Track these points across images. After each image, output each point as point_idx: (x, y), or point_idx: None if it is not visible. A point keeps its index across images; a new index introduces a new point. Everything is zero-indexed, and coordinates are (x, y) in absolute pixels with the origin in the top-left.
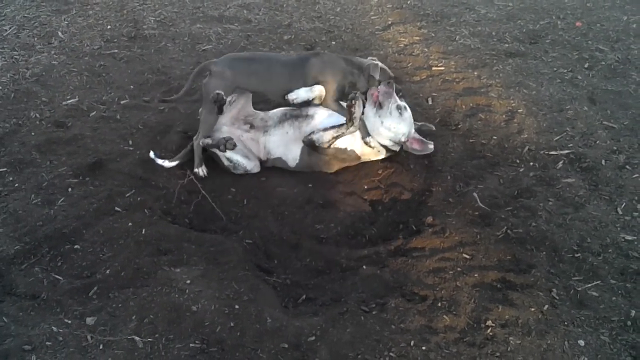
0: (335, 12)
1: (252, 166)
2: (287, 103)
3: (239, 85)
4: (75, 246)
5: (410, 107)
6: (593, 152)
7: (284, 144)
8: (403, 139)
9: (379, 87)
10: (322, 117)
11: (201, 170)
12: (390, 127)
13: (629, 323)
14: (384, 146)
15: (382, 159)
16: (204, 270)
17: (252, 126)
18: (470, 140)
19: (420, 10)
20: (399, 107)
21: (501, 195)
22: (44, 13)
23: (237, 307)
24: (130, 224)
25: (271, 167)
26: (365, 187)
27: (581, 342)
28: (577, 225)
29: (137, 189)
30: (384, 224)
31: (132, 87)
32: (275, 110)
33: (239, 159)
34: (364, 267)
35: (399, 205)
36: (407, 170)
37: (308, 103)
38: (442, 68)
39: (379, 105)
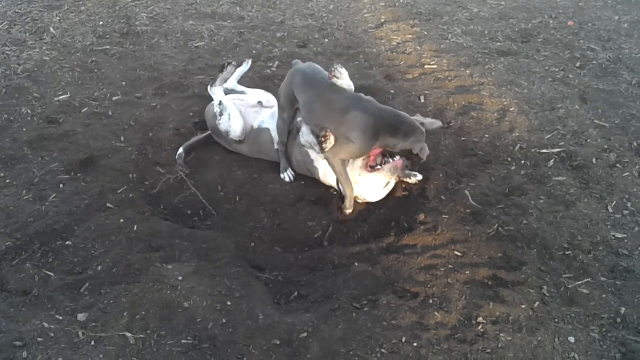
0: (328, 10)
1: (238, 132)
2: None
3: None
4: (67, 242)
5: (402, 105)
6: (584, 151)
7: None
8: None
9: (398, 159)
10: None
11: (287, 175)
12: (361, 191)
13: (618, 320)
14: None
15: None
16: (196, 267)
17: (260, 102)
18: (462, 138)
19: (413, 9)
20: (387, 184)
21: (492, 193)
22: (36, 8)
23: (228, 303)
24: (121, 220)
25: (264, 167)
26: None
27: (571, 339)
28: (567, 223)
29: (128, 185)
30: (375, 221)
31: (124, 83)
32: None
33: (235, 120)
34: (356, 264)
35: (391, 203)
36: None
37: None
38: (435, 66)
39: (372, 167)
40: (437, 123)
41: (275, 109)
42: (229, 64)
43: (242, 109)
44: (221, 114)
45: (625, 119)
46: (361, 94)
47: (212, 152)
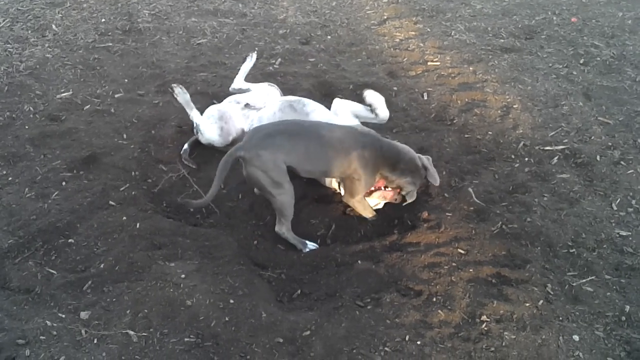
0: (330, 6)
1: (219, 142)
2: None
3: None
4: (70, 240)
5: (405, 102)
6: (588, 148)
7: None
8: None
9: (390, 189)
10: (320, 117)
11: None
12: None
13: (623, 318)
14: None
15: None
16: (199, 265)
17: (247, 105)
18: (466, 136)
19: (415, 5)
20: (377, 204)
21: (496, 190)
22: (38, 6)
23: (231, 301)
24: (124, 218)
25: None
26: None
27: (576, 337)
28: (571, 221)
29: (131, 183)
30: (379, 219)
31: (126, 80)
32: (279, 101)
33: (208, 131)
34: (359, 262)
35: None
36: None
37: None
38: (438, 63)
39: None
40: (437, 181)
41: (263, 111)
42: (174, 86)
43: (232, 114)
44: (196, 132)
45: (630, 116)
46: (357, 128)
47: (215, 150)
